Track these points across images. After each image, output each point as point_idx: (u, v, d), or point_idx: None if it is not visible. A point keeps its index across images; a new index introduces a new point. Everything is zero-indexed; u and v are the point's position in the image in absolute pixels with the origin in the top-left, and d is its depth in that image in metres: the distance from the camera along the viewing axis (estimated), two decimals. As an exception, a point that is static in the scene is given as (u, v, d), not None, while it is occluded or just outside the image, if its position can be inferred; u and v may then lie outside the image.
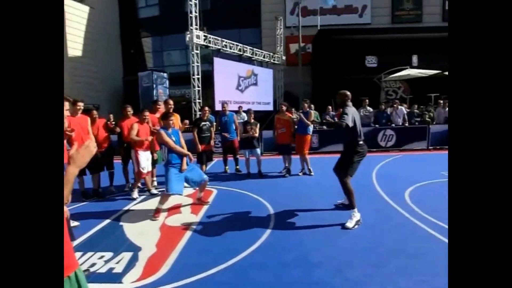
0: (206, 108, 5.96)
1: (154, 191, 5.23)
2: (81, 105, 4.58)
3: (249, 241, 3.15)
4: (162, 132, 3.98)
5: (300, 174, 6.27)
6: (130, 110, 5.31)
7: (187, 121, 5.68)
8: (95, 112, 5.17)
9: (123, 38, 21.25)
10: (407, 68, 11.96)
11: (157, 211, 4.00)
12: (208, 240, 3.28)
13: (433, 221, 3.52)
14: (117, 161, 5.60)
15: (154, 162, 5.33)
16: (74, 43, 17.98)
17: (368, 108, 9.04)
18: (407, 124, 9.16)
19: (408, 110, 10.01)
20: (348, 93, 3.76)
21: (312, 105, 9.35)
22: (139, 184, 5.54)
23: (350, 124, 3.45)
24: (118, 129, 5.29)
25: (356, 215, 3.49)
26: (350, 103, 3.70)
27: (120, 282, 2.53)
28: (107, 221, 3.97)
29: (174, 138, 4.08)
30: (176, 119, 5.34)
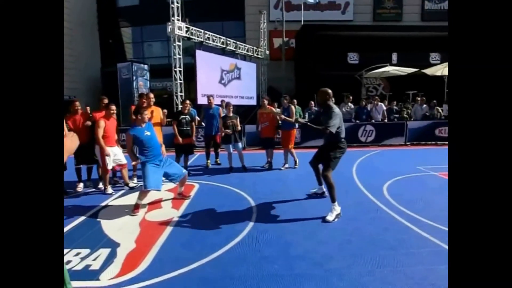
0: (187, 102, 5.89)
1: (132, 184, 5.11)
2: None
3: (230, 235, 3.15)
4: (129, 135, 3.83)
5: (282, 168, 6.32)
6: (106, 102, 5.09)
7: (165, 111, 5.51)
8: (77, 103, 4.90)
9: (101, 28, 20.40)
10: (387, 65, 12.26)
11: (136, 206, 3.90)
12: (189, 235, 3.24)
13: (410, 214, 3.66)
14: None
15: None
16: (48, 31, 17.09)
17: (350, 104, 9.22)
18: (386, 120, 9.42)
19: (387, 106, 10.29)
20: (330, 91, 3.73)
21: (295, 100, 9.42)
22: (117, 179, 5.41)
23: (334, 131, 3.50)
24: (89, 123, 4.89)
25: (337, 209, 3.56)
26: (332, 102, 3.71)
27: (97, 279, 2.45)
28: (83, 217, 3.83)
29: (149, 133, 3.94)
30: (157, 112, 5.21)
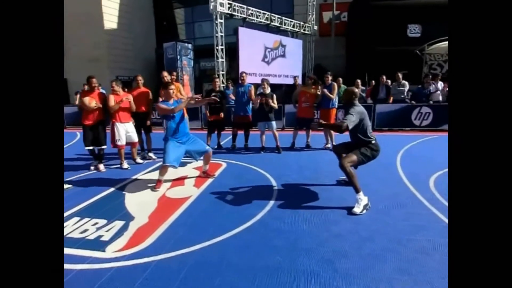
0: (216, 80, 5.86)
1: (139, 160, 5.37)
2: (94, 81, 4.78)
3: (241, 220, 2.98)
4: (160, 105, 3.89)
5: (328, 146, 6.13)
6: (140, 79, 5.38)
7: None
8: (94, 80, 4.82)
9: (156, 10, 21.24)
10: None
11: (158, 182, 3.97)
12: (201, 215, 3.16)
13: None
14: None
15: (148, 130, 5.55)
16: (110, 15, 18.35)
17: (403, 81, 8.12)
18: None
19: (452, 86, 8.86)
20: (356, 90, 3.46)
21: (340, 79, 8.67)
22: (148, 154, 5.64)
23: (351, 126, 3.11)
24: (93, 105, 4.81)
25: (363, 199, 3.13)
26: (357, 102, 3.35)
27: (103, 251, 2.51)
28: (112, 189, 4.03)
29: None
30: (176, 89, 5.25)
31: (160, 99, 4.43)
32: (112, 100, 4.78)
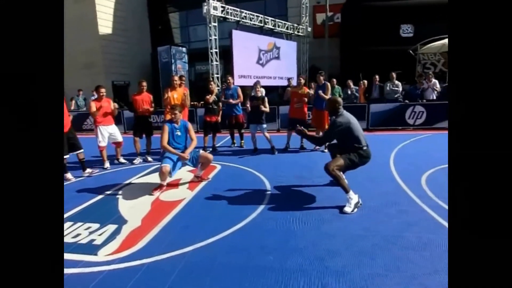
0: (212, 82, 6.06)
1: (122, 160, 5.58)
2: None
3: (234, 221, 2.99)
4: (165, 126, 4.04)
5: (325, 150, 6.01)
6: (144, 85, 5.61)
7: (186, 92, 5.75)
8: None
9: (150, 14, 21.28)
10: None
11: (160, 186, 4.01)
12: (193, 217, 3.17)
13: (447, 209, 3.08)
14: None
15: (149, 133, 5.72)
16: (104, 20, 18.35)
17: (396, 81, 8.19)
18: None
19: (445, 84, 8.95)
20: (340, 99, 3.48)
21: (334, 79, 8.72)
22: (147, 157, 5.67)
23: (327, 143, 3.37)
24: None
25: (354, 198, 3.16)
26: (341, 110, 3.38)
27: (95, 255, 2.51)
28: (106, 193, 4.03)
29: (178, 133, 4.06)
30: (180, 95, 5.47)
31: (165, 117, 4.79)
32: (93, 106, 5.10)
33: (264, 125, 5.97)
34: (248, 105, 6.11)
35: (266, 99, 5.97)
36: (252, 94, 6.08)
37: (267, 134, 5.99)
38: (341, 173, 3.26)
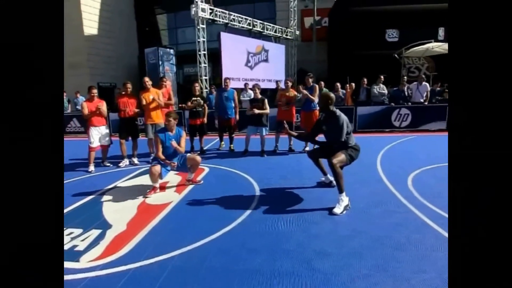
0: (196, 85, 6.10)
1: (107, 164, 5.51)
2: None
3: (222, 223, 2.95)
4: (157, 138, 3.94)
5: (306, 149, 6.04)
6: (129, 87, 5.54)
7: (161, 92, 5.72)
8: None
9: (138, 16, 21.02)
10: (431, 42, 10.89)
11: (153, 188, 3.92)
12: (180, 220, 3.11)
13: (432, 209, 3.14)
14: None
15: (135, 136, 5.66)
16: (90, 21, 18.01)
17: (381, 85, 8.35)
18: (426, 103, 8.39)
19: (430, 88, 9.18)
20: (332, 95, 3.47)
21: (322, 82, 8.80)
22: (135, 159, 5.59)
23: (343, 139, 3.28)
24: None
25: (345, 200, 3.17)
26: (333, 107, 3.39)
27: (77, 261, 2.42)
28: (91, 197, 3.91)
29: (172, 142, 3.93)
30: (154, 93, 5.46)
31: (145, 121, 4.88)
32: (85, 108, 5.10)
33: (264, 128, 5.95)
34: (248, 108, 6.06)
35: (266, 100, 5.97)
36: (251, 96, 6.10)
37: (264, 138, 5.97)
38: (341, 171, 3.23)
